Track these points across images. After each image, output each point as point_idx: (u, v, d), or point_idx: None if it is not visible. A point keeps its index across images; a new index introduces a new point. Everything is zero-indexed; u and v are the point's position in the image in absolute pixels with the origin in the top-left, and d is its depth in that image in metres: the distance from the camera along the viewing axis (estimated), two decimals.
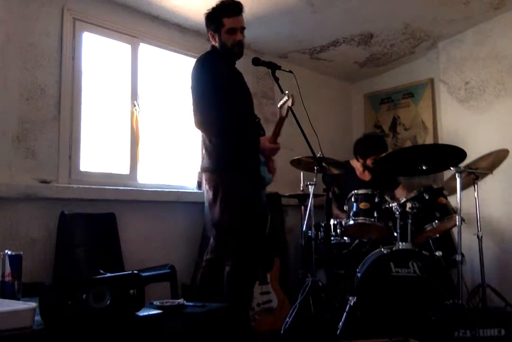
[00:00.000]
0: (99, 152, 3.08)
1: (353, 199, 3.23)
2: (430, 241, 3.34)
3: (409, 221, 2.99)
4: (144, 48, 3.35)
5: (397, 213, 3.01)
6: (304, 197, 3.48)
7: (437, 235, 3.30)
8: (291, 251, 3.86)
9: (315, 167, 3.14)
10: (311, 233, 3.36)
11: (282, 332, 2.87)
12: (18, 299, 1.80)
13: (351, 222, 3.18)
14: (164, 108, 3.48)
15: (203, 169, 2.61)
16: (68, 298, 1.61)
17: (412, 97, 4.48)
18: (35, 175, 2.69)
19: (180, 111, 3.53)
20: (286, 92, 2.38)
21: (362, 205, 3.17)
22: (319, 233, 3.43)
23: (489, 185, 3.45)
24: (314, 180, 3.14)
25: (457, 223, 2.91)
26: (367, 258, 3.01)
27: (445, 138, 4.10)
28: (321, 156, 2.90)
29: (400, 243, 2.96)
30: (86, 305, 1.64)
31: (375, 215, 3.11)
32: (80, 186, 2.83)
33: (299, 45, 4.02)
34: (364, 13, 3.53)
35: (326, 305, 2.95)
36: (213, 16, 2.58)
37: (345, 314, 2.78)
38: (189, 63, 3.59)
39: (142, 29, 3.29)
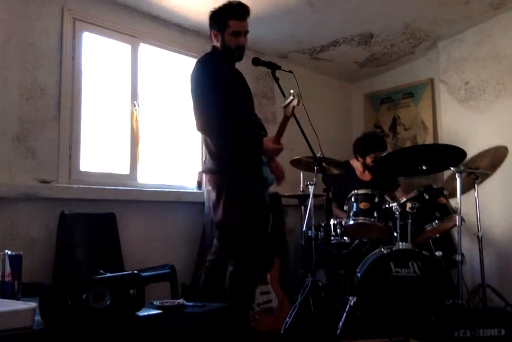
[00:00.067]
0: (99, 152, 3.08)
1: (353, 199, 3.23)
2: (430, 241, 3.34)
3: (409, 221, 2.98)
4: (144, 48, 3.35)
5: (397, 213, 3.01)
6: (304, 197, 3.48)
7: (437, 235, 3.30)
8: (291, 251, 3.86)
9: (315, 167, 3.14)
10: (311, 233, 3.35)
11: (282, 332, 2.87)
12: (18, 299, 1.80)
13: (351, 222, 3.18)
14: (164, 108, 3.48)
15: (206, 171, 2.61)
16: (68, 298, 1.61)
17: (412, 97, 4.48)
18: (35, 175, 2.69)
19: (180, 111, 3.53)
20: (291, 91, 2.36)
21: (362, 205, 3.17)
22: (319, 233, 3.43)
23: (489, 185, 3.45)
24: (314, 180, 3.14)
25: (457, 223, 2.91)
26: (367, 258, 3.01)
27: (445, 138, 4.10)
28: (321, 156, 2.90)
29: (400, 243, 2.96)
30: (86, 305, 1.64)
31: (375, 215, 3.11)
32: (80, 186, 2.83)
33: (299, 45, 4.02)
34: (364, 13, 3.53)
35: (326, 305, 2.95)
36: (218, 16, 2.56)
37: (345, 314, 2.78)
38: (189, 63, 3.59)
39: (142, 29, 3.29)
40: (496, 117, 3.80)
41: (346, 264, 3.27)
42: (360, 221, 3.16)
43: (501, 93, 3.81)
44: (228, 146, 2.47)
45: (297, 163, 3.30)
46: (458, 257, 2.88)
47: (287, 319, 2.89)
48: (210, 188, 2.58)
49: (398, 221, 3.01)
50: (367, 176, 3.87)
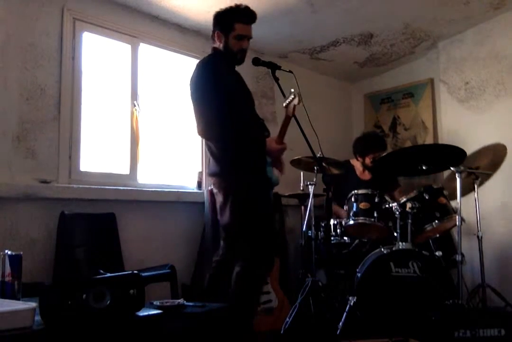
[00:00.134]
0: (99, 152, 3.08)
1: (353, 199, 3.23)
2: (430, 241, 3.33)
3: (409, 221, 2.98)
4: (144, 48, 3.35)
5: (397, 213, 3.01)
6: (304, 197, 3.47)
7: (437, 235, 3.30)
8: (291, 251, 3.86)
9: (315, 167, 3.15)
10: (311, 233, 3.35)
11: (282, 332, 2.87)
12: (18, 299, 1.80)
13: (351, 222, 3.18)
14: (164, 108, 3.48)
15: (211, 174, 2.60)
16: (68, 298, 1.61)
17: (412, 97, 4.48)
18: (35, 175, 2.69)
19: (180, 111, 3.53)
20: (292, 90, 2.35)
21: (362, 205, 3.17)
22: (319, 233, 3.43)
23: (489, 185, 3.44)
24: (314, 180, 3.15)
25: (457, 223, 2.91)
26: (367, 258, 3.01)
27: (445, 138, 4.10)
28: (321, 156, 2.90)
29: (400, 243, 2.96)
30: (86, 305, 1.64)
31: (375, 215, 3.11)
32: (80, 186, 2.83)
33: (299, 45, 4.03)
34: (364, 13, 3.53)
35: (326, 305, 2.96)
36: (225, 18, 2.55)
37: (345, 314, 2.78)
38: (189, 63, 3.60)
39: (142, 29, 3.29)
40: (496, 117, 3.80)
41: (346, 264, 3.27)
42: (360, 221, 3.16)
43: (501, 93, 3.81)
44: (231, 148, 2.47)
45: (297, 163, 3.30)
46: (458, 257, 2.88)
47: (287, 319, 2.89)
48: (216, 190, 2.59)
49: (398, 221, 3.01)
50: (367, 176, 3.87)
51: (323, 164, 3.07)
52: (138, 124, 3.23)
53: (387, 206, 3.13)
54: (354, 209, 3.19)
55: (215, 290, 2.57)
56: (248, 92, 2.64)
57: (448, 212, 3.08)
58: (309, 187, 3.15)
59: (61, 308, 1.58)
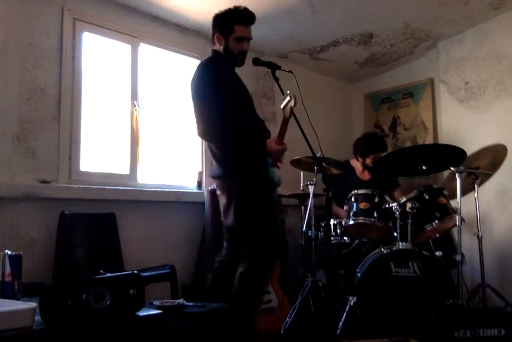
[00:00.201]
0: (99, 152, 3.08)
1: (353, 199, 3.23)
2: (430, 241, 3.33)
3: (409, 221, 2.98)
4: (144, 48, 3.35)
5: (397, 213, 3.01)
6: (304, 196, 3.48)
7: (437, 235, 3.30)
8: (291, 251, 3.86)
9: (315, 167, 3.15)
10: (311, 233, 3.35)
11: (282, 332, 2.87)
12: (18, 299, 1.80)
13: (351, 222, 3.18)
14: (164, 108, 3.48)
15: (214, 176, 2.61)
16: (68, 298, 1.61)
17: (412, 97, 4.48)
18: (35, 175, 2.69)
19: (180, 111, 3.53)
20: (288, 92, 2.36)
21: (362, 205, 3.17)
22: (319, 233, 3.43)
23: (489, 185, 3.45)
24: (314, 180, 3.14)
25: (457, 223, 2.91)
26: (367, 258, 3.01)
27: (445, 138, 4.10)
28: (321, 156, 2.90)
29: (400, 243, 2.96)
30: (86, 305, 1.64)
31: (375, 215, 3.11)
32: (80, 186, 2.83)
33: (299, 45, 4.03)
34: (364, 13, 3.53)
35: (326, 305, 2.96)
36: (224, 20, 2.55)
37: (345, 314, 2.78)
38: (189, 63, 3.60)
39: (142, 29, 3.29)
40: (496, 117, 3.80)
41: (346, 264, 3.27)
42: (360, 221, 3.15)
43: (501, 93, 3.81)
44: (231, 149, 2.48)
45: (297, 163, 3.30)
46: (458, 257, 2.88)
47: (287, 319, 2.89)
48: (219, 192, 2.59)
49: (398, 221, 3.01)
50: (366, 176, 3.88)
51: (323, 164, 3.07)
52: (138, 124, 3.23)
53: (387, 206, 3.12)
54: (354, 209, 3.19)
55: (218, 290, 2.58)
56: (248, 94, 2.65)
57: (448, 212, 3.08)
58: (309, 187, 3.15)
59: (61, 308, 1.58)
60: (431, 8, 3.56)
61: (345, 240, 3.39)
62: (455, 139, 3.83)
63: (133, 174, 3.19)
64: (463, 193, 3.02)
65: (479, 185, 3.19)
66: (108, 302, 1.69)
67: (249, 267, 2.47)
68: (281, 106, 2.42)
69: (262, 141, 2.50)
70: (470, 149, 3.02)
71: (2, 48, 2.62)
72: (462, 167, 2.97)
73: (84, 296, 1.63)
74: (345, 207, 3.33)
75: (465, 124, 3.97)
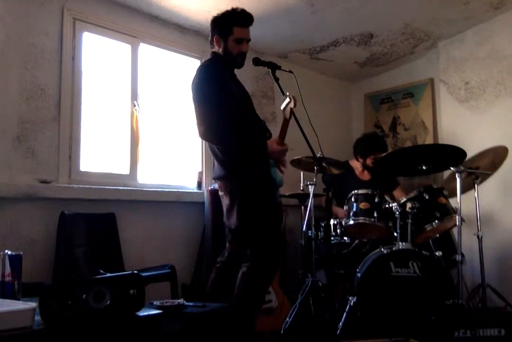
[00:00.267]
0: (99, 152, 3.08)
1: (353, 199, 3.22)
2: (430, 241, 3.33)
3: (409, 221, 2.98)
4: (144, 48, 3.35)
5: (397, 213, 3.01)
6: (304, 196, 3.48)
7: (437, 235, 3.30)
8: (291, 251, 3.86)
9: (315, 167, 3.14)
10: (311, 233, 3.35)
11: (282, 332, 2.87)
12: (18, 299, 1.79)
13: (351, 222, 3.17)
14: (164, 108, 3.48)
15: (216, 178, 2.61)
16: (68, 298, 1.60)
17: (412, 97, 4.48)
18: (35, 175, 2.69)
19: (180, 111, 3.53)
20: (287, 94, 2.36)
21: (362, 205, 3.17)
22: (319, 233, 3.43)
23: (489, 185, 3.45)
24: (314, 180, 3.14)
25: (457, 223, 2.91)
26: (367, 258, 3.00)
27: (445, 138, 4.10)
28: (321, 156, 2.90)
29: (400, 243, 2.96)
30: (86, 305, 1.63)
31: (375, 215, 3.11)
32: (80, 186, 2.83)
33: (299, 45, 4.03)
34: (364, 13, 3.53)
35: (326, 305, 2.95)
36: (223, 22, 2.56)
37: (345, 314, 2.78)
38: (189, 63, 3.60)
39: (142, 29, 3.29)
40: (496, 117, 3.80)
41: (346, 264, 3.27)
42: (360, 221, 3.15)
43: (501, 93, 3.81)
44: (233, 151, 2.48)
45: (297, 163, 3.30)
46: (458, 257, 2.88)
47: (287, 319, 2.89)
48: (222, 193, 2.60)
49: (398, 221, 3.01)
50: (366, 176, 3.88)
51: (323, 164, 3.07)
52: (138, 125, 3.23)
53: (387, 206, 3.12)
54: (354, 209, 3.18)
55: (218, 290, 2.58)
56: (247, 95, 2.66)
57: (448, 212, 3.08)
58: (309, 187, 3.15)
59: (61, 308, 1.58)
60: (431, 8, 3.56)
61: (345, 240, 3.39)
62: (455, 139, 3.83)
63: (133, 173, 3.19)
64: (463, 191, 3.02)
65: (479, 184, 3.19)
66: (108, 302, 1.69)
67: (251, 267, 2.47)
68: (281, 108, 2.42)
69: (263, 142, 2.50)
70: (470, 150, 3.02)
71: (2, 48, 2.62)
72: (462, 167, 2.97)
73: (84, 296, 1.63)
74: (345, 207, 3.33)
75: (465, 124, 3.97)
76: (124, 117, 3.20)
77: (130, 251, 2.95)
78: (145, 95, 3.32)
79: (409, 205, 3.00)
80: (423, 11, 3.60)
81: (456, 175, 2.95)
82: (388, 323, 2.73)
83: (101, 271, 2.16)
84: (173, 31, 3.49)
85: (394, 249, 2.93)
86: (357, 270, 2.99)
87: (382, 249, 2.95)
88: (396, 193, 3.85)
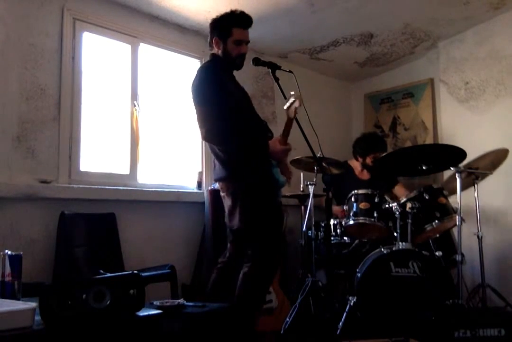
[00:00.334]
0: (99, 152, 3.08)
1: (353, 199, 3.22)
2: (430, 241, 3.33)
3: (409, 221, 2.98)
4: (144, 48, 3.35)
5: (397, 213, 3.01)
6: (304, 197, 3.47)
7: (437, 235, 3.30)
8: (291, 251, 3.86)
9: (315, 167, 3.14)
10: (311, 233, 3.35)
11: (282, 332, 2.87)
12: (18, 299, 1.79)
13: (351, 222, 3.17)
14: (164, 108, 3.48)
15: (218, 179, 2.61)
16: (68, 298, 1.61)
17: (412, 97, 4.48)
18: (35, 175, 2.69)
19: (180, 111, 3.53)
20: (292, 93, 2.35)
21: (362, 205, 3.17)
22: (319, 233, 3.43)
23: (489, 185, 3.44)
24: (314, 180, 3.14)
25: (457, 223, 2.91)
26: (367, 258, 3.00)
27: (445, 138, 4.10)
28: (321, 156, 2.90)
29: (400, 243, 2.96)
30: (86, 305, 1.64)
31: (375, 215, 3.11)
32: (80, 186, 2.83)
33: (299, 45, 4.03)
34: (364, 13, 3.53)
35: (326, 305, 2.95)
36: (222, 24, 2.56)
37: (345, 314, 2.78)
38: (189, 63, 3.60)
39: (142, 29, 3.29)
40: (496, 117, 3.80)
41: (346, 264, 3.27)
42: (360, 221, 3.15)
43: (501, 93, 3.81)
44: (235, 152, 2.48)
45: (297, 163, 3.29)
46: (458, 257, 2.88)
47: (287, 319, 2.89)
48: (223, 194, 2.60)
49: (398, 221, 3.01)
50: (365, 175, 3.88)
51: (323, 164, 3.07)
52: (138, 125, 3.23)
53: (387, 206, 3.12)
54: (354, 209, 3.18)
55: (219, 290, 2.58)
56: (247, 96, 2.67)
57: (448, 212, 3.08)
58: (309, 187, 3.15)
59: (61, 308, 1.58)
60: (431, 8, 3.56)
61: (345, 240, 3.39)
62: (455, 139, 3.82)
63: (133, 173, 3.19)
64: (462, 189, 3.02)
65: (479, 183, 3.19)
66: (108, 302, 1.69)
67: (253, 267, 2.48)
68: (285, 107, 2.40)
69: (264, 142, 2.50)
70: (470, 150, 3.02)
71: (2, 48, 2.62)
72: (462, 167, 2.97)
73: (84, 296, 1.63)
74: (345, 207, 3.33)
75: (465, 125, 3.97)
76: (124, 117, 3.20)
77: (130, 251, 2.95)
78: (145, 95, 3.32)
79: (409, 205, 3.00)
80: (423, 11, 3.60)
81: (456, 175, 2.95)
82: (388, 323, 2.73)
83: (101, 271, 2.16)
84: (173, 31, 3.49)
85: (394, 249, 2.93)
86: (357, 270, 2.99)
87: (382, 249, 2.95)
88: (398, 190, 3.85)
